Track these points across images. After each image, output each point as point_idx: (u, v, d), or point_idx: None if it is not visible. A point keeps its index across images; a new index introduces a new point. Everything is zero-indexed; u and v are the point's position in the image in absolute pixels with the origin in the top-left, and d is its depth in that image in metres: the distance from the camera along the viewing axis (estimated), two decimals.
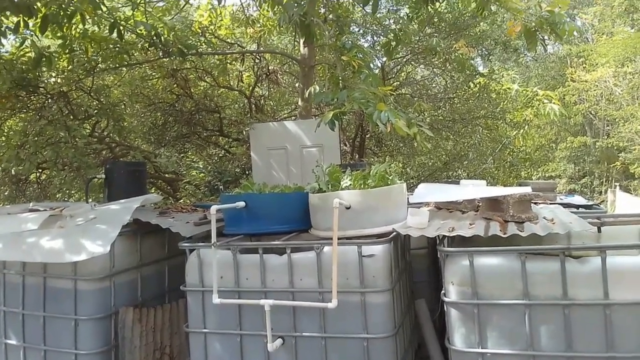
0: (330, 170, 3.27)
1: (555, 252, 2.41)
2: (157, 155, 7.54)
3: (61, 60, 6.29)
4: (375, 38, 10.08)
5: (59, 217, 3.59)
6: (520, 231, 2.59)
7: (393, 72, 10.47)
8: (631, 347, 2.28)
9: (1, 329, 3.53)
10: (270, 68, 8.96)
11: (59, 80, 6.27)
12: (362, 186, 3.08)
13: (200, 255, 3.07)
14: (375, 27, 9.51)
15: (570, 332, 2.34)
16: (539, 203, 3.65)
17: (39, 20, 5.20)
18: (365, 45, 9.64)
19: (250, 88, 9.35)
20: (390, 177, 3.20)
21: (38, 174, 7.02)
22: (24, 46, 5.88)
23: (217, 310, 2.98)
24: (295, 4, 5.64)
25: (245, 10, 8.80)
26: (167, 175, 8.48)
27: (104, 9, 5.71)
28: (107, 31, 6.03)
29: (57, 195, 6.88)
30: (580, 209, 3.72)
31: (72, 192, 7.17)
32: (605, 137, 17.46)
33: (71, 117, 6.47)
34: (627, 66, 15.64)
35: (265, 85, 9.51)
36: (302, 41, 6.78)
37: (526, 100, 9.24)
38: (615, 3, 18.45)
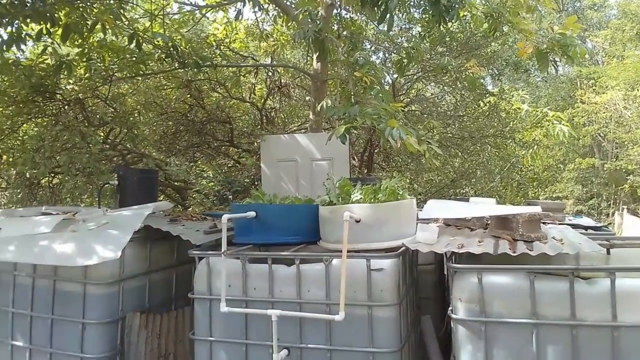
0: (341, 184, 3.31)
1: (564, 272, 2.42)
2: (168, 163, 7.61)
3: (79, 68, 6.41)
4: (386, 55, 10.18)
5: (71, 221, 3.64)
6: (530, 250, 2.60)
7: (403, 88, 10.54)
8: None
9: (8, 330, 3.56)
10: (282, 81, 9.05)
11: (76, 88, 6.39)
12: (372, 200, 3.11)
13: (209, 264, 3.09)
14: (387, 45, 9.60)
15: (578, 353, 2.34)
16: (548, 223, 3.65)
17: (59, 28, 5.32)
18: (377, 62, 9.73)
19: (262, 100, 9.44)
20: (401, 193, 3.22)
21: (50, 179, 7.10)
22: (44, 53, 6.00)
23: (224, 318, 2.99)
24: (310, 21, 5.74)
25: (260, 25, 8.93)
26: (176, 183, 8.55)
27: (123, 19, 5.83)
28: (124, 41, 6.15)
29: (68, 200, 6.95)
30: (589, 230, 3.72)
31: (84, 197, 7.24)
32: (614, 159, 17.39)
33: (86, 123, 6.57)
34: (638, 90, 15.63)
35: (277, 98, 9.59)
36: (315, 56, 6.87)
37: (536, 120, 9.25)
38: (627, 27, 18.52)
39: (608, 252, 2.99)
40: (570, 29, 5.73)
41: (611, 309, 2.30)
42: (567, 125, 7.79)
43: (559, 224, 3.74)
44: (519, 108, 9.45)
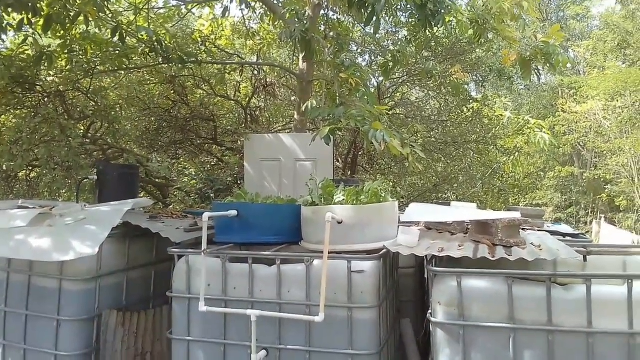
0: (324, 185, 3.30)
1: (541, 278, 2.45)
2: (149, 159, 7.52)
3: (60, 59, 6.29)
4: (372, 58, 10.21)
5: (48, 216, 3.57)
6: (509, 255, 2.62)
7: (389, 92, 10.58)
8: None
9: None
10: (268, 80, 9.01)
11: (56, 80, 6.27)
12: (355, 202, 3.11)
13: (188, 262, 3.06)
14: (373, 47, 9.64)
15: (554, 358, 2.37)
16: (527, 229, 3.70)
17: (41, 19, 5.22)
18: (363, 64, 9.76)
19: (247, 99, 9.39)
20: (383, 195, 3.23)
21: (28, 172, 6.96)
22: (24, 44, 5.88)
23: (203, 318, 2.97)
24: (297, 20, 5.73)
25: (247, 23, 8.89)
26: (158, 180, 8.45)
27: (107, 12, 5.74)
28: (108, 34, 6.05)
29: (45, 194, 6.81)
30: (567, 237, 3.77)
31: (62, 191, 7.11)
32: (593, 168, 17.75)
33: (66, 116, 6.45)
34: (617, 100, 15.98)
35: (262, 97, 9.55)
36: (301, 56, 6.86)
37: (517, 127, 9.37)
38: (608, 38, 18.92)
39: (585, 259, 3.03)
40: (553, 38, 5.83)
41: (587, 315, 2.34)
42: (548, 134, 7.90)
43: (538, 230, 3.79)
44: (501, 115, 9.56)
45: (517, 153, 10.50)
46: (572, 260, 2.77)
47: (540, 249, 2.76)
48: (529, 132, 8.52)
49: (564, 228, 4.40)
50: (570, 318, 2.37)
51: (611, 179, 16.19)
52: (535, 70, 6.35)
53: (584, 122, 16.63)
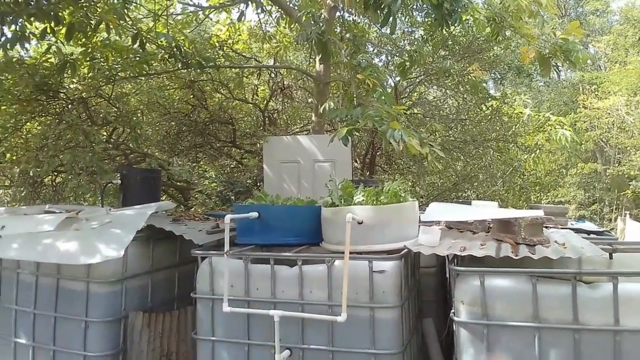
0: (344, 185, 3.31)
1: (566, 276, 2.42)
2: (171, 163, 7.63)
3: (82, 67, 6.43)
4: (389, 58, 10.19)
5: (74, 220, 3.65)
6: (532, 254, 2.59)
7: (406, 91, 10.54)
8: None
9: (11, 328, 3.57)
10: (285, 83, 9.07)
11: (79, 87, 6.41)
12: (374, 202, 3.11)
13: (212, 264, 3.10)
14: (390, 47, 9.62)
15: (580, 357, 2.34)
16: (550, 227, 3.66)
17: (63, 27, 5.35)
18: (380, 64, 9.74)
19: (265, 102, 9.47)
20: (403, 195, 3.23)
21: (54, 177, 7.13)
22: (48, 52, 6.03)
23: (226, 318, 3.00)
24: (313, 23, 5.76)
25: (263, 27, 8.96)
26: (179, 183, 8.56)
27: (127, 19, 5.85)
28: (128, 41, 6.17)
29: (71, 199, 6.97)
30: (592, 235, 3.72)
31: (87, 196, 7.27)
32: (616, 164, 17.39)
33: (90, 122, 6.59)
34: None
35: (279, 100, 9.61)
36: (318, 58, 6.88)
37: (538, 125, 9.26)
38: (629, 33, 18.56)
39: (610, 257, 2.99)
40: (572, 34, 5.74)
41: (613, 314, 2.30)
42: (569, 130, 7.81)
43: (562, 228, 3.74)
44: (521, 112, 9.47)
45: (538, 150, 10.35)
46: (597, 258, 2.72)
47: (565, 247, 2.73)
48: (549, 129, 8.42)
49: (588, 225, 4.34)
50: (597, 316, 2.33)
51: (636, 175, 15.85)
52: (555, 67, 6.26)
53: (606, 118, 16.32)
